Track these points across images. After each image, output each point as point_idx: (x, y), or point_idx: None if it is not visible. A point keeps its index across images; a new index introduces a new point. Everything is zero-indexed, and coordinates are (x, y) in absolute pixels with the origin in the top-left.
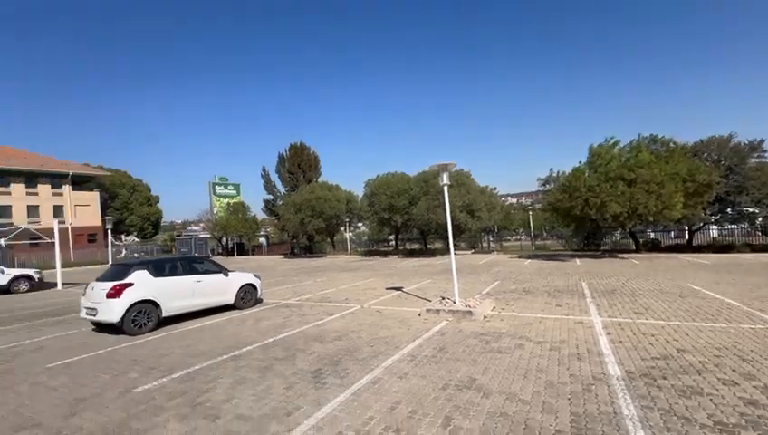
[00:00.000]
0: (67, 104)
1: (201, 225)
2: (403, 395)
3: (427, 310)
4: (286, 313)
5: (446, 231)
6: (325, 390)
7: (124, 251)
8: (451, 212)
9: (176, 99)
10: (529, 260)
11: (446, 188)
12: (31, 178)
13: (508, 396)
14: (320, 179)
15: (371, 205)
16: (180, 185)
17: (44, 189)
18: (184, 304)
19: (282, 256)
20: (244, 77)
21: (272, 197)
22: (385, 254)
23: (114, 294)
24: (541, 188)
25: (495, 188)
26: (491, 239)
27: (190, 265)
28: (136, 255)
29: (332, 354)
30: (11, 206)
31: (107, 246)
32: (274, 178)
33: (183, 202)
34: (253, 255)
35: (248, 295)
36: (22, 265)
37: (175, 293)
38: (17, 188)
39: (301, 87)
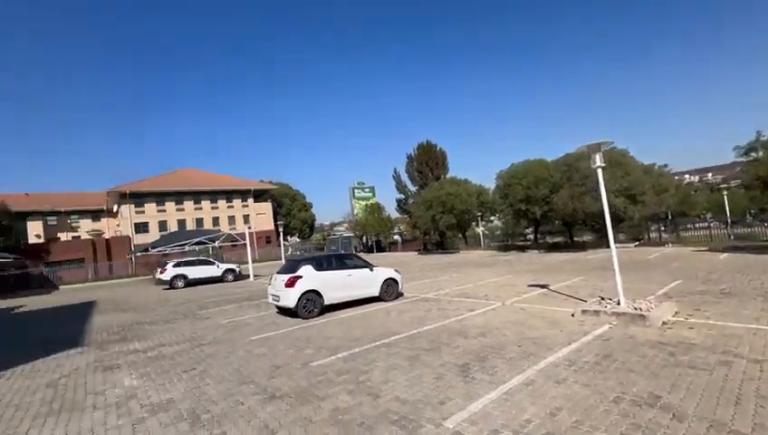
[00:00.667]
0: (243, 125)
1: (345, 225)
2: (564, 401)
3: (583, 311)
4: (426, 306)
5: (597, 221)
6: (474, 385)
7: (290, 250)
8: (606, 198)
9: (317, 111)
10: (725, 254)
11: (599, 172)
12: (229, 195)
13: (712, 423)
14: (448, 175)
15: (505, 197)
16: (327, 191)
17: (237, 203)
18: (339, 295)
19: (415, 253)
20: (373, 82)
21: (403, 196)
22: (522, 248)
23: (290, 284)
24: (740, 159)
25: (666, 166)
26: (662, 229)
27: (342, 261)
28: (298, 252)
29: (477, 350)
30: (218, 217)
31: (279, 246)
32: (405, 177)
33: (330, 206)
34: (389, 251)
35: (391, 289)
36: (228, 262)
37: (332, 284)
38: (221, 204)
39: (428, 86)
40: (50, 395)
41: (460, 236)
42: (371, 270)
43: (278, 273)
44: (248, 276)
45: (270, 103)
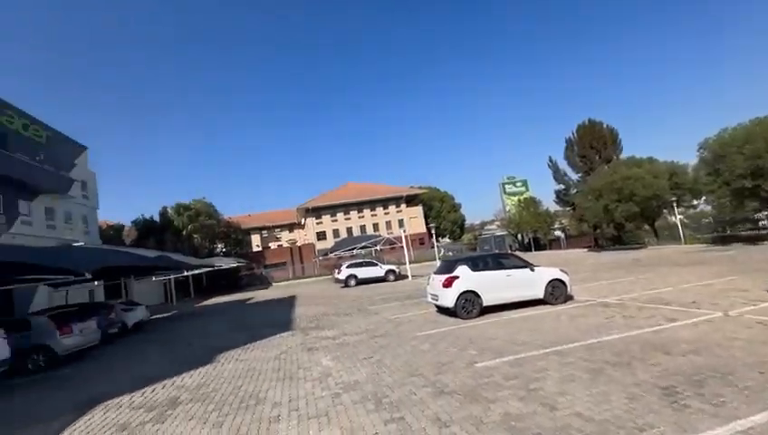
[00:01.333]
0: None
1: (496, 223)
2: None
3: None
4: (606, 312)
5: None
6: (689, 415)
7: (442, 251)
8: None
9: (452, 108)
10: None
11: None
12: (385, 203)
13: None
14: (622, 156)
15: (716, 173)
16: (474, 190)
17: (392, 209)
18: (499, 296)
19: (584, 250)
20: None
21: (563, 186)
22: (752, 240)
23: (447, 284)
24: None
25: None
26: None
27: (498, 261)
28: (450, 253)
29: (689, 372)
30: (378, 223)
31: (432, 247)
32: (563, 165)
33: (478, 205)
34: (550, 249)
35: (557, 291)
36: (388, 263)
37: (491, 285)
38: (379, 211)
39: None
40: (276, 365)
41: (647, 227)
42: (532, 270)
43: (435, 273)
44: (407, 276)
45: (404, 104)
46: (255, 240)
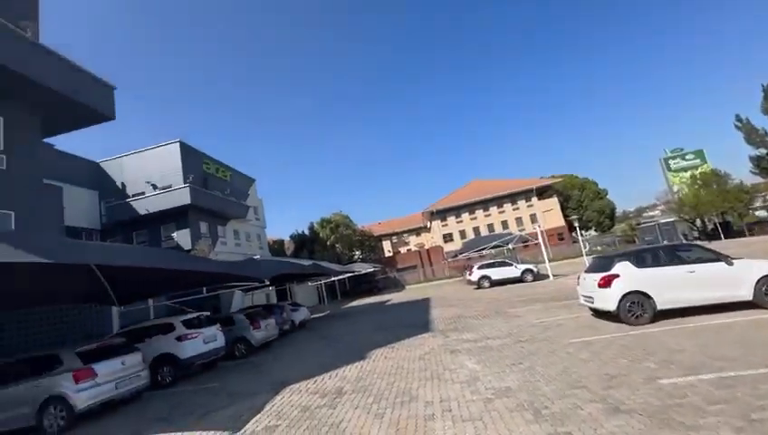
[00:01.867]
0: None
1: (659, 208)
2: None
3: None
4: None
5: None
6: None
7: (588, 245)
8: None
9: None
10: None
11: None
12: (513, 198)
13: None
14: None
15: None
16: (624, 171)
17: (522, 204)
18: (678, 297)
19: None
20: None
21: (764, 150)
22: None
23: (605, 284)
24: None
25: None
26: None
27: (675, 254)
28: (598, 248)
29: None
30: (506, 220)
31: (573, 242)
32: (762, 122)
33: (631, 189)
34: (750, 235)
35: None
36: (523, 262)
37: (666, 284)
38: (507, 207)
39: None
40: (422, 365)
41: None
42: (729, 264)
43: (587, 271)
44: (547, 276)
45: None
46: (386, 246)
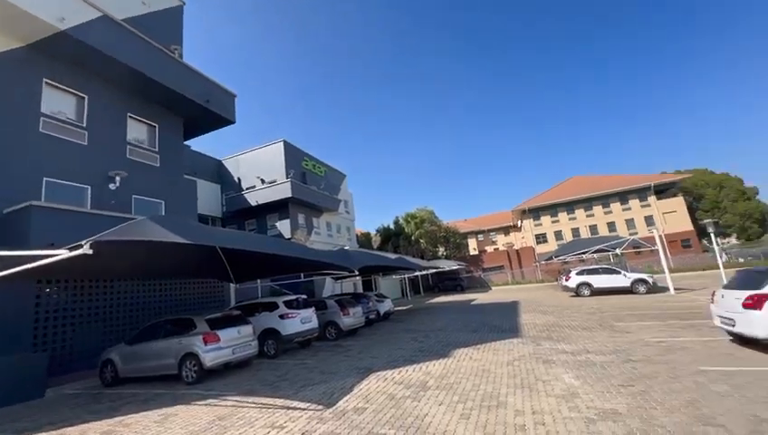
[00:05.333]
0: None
1: None
2: None
3: None
4: None
5: None
6: None
7: (725, 256)
8: None
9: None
10: None
11: None
12: (623, 196)
13: None
14: None
15: None
16: None
17: (635, 204)
18: None
19: None
20: None
21: None
22: None
23: (754, 305)
24: None
25: None
26: None
27: None
28: (741, 259)
29: None
30: (613, 222)
31: (704, 251)
32: None
33: None
34: None
35: None
36: (634, 271)
37: None
38: (615, 207)
39: None
40: (511, 372)
41: None
42: None
43: (727, 288)
44: (666, 289)
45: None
46: (472, 244)
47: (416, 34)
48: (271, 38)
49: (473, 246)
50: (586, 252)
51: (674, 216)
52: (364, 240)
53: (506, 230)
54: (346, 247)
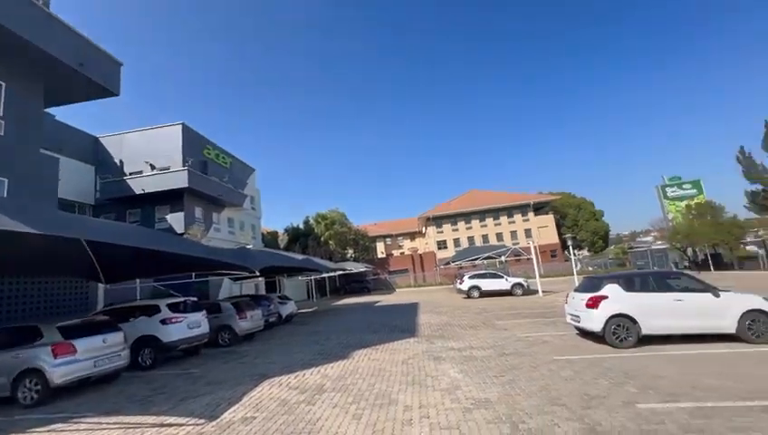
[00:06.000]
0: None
1: (653, 234)
2: None
3: None
4: None
5: None
6: None
7: (579, 265)
8: None
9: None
10: None
11: None
12: (509, 211)
13: None
14: None
15: None
16: (621, 195)
17: (518, 218)
18: (664, 324)
19: None
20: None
21: (760, 186)
22: None
23: (592, 305)
24: None
25: None
26: None
27: (663, 281)
28: (590, 268)
29: None
30: (501, 232)
31: (566, 260)
32: (762, 158)
33: (627, 212)
34: (739, 269)
35: (759, 325)
36: (514, 276)
37: (652, 310)
38: (503, 220)
39: None
40: (405, 370)
41: None
42: (716, 295)
43: (576, 291)
44: (536, 291)
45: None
46: (380, 247)
47: (329, 35)
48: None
49: (381, 250)
50: (478, 258)
51: (546, 230)
52: (270, 239)
53: (413, 236)
54: (249, 246)
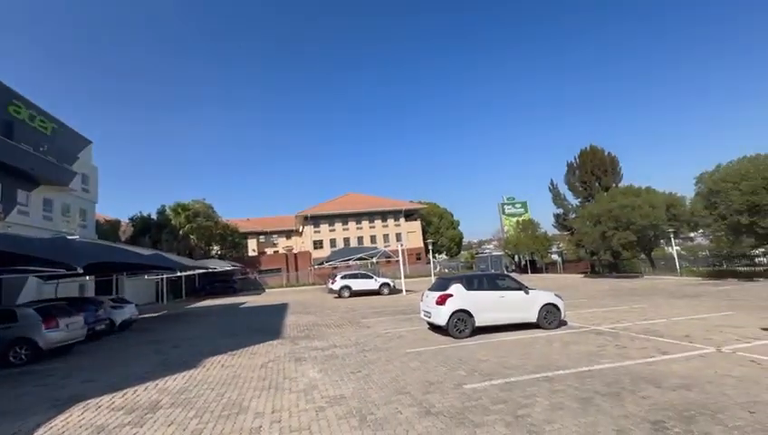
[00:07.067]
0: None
1: (493, 243)
2: None
3: None
4: (599, 341)
5: None
6: None
7: (438, 267)
8: None
9: (461, 123)
10: None
11: None
12: (384, 216)
13: None
14: (621, 184)
15: (713, 207)
16: (474, 208)
17: (391, 222)
18: (491, 317)
19: (581, 275)
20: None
21: (562, 210)
22: (748, 276)
23: (440, 302)
24: None
25: None
26: None
27: (494, 282)
28: (446, 270)
29: (678, 407)
30: (375, 235)
31: (428, 263)
32: (564, 189)
33: (477, 223)
34: (546, 272)
35: (551, 316)
36: (383, 276)
37: (484, 305)
38: (378, 223)
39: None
40: (262, 374)
41: (643, 257)
42: (527, 293)
43: (429, 290)
44: (401, 291)
45: (411, 121)
46: (252, 244)
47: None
48: None
49: (252, 247)
50: (351, 259)
51: (414, 235)
52: (109, 229)
53: (288, 234)
54: (74, 236)
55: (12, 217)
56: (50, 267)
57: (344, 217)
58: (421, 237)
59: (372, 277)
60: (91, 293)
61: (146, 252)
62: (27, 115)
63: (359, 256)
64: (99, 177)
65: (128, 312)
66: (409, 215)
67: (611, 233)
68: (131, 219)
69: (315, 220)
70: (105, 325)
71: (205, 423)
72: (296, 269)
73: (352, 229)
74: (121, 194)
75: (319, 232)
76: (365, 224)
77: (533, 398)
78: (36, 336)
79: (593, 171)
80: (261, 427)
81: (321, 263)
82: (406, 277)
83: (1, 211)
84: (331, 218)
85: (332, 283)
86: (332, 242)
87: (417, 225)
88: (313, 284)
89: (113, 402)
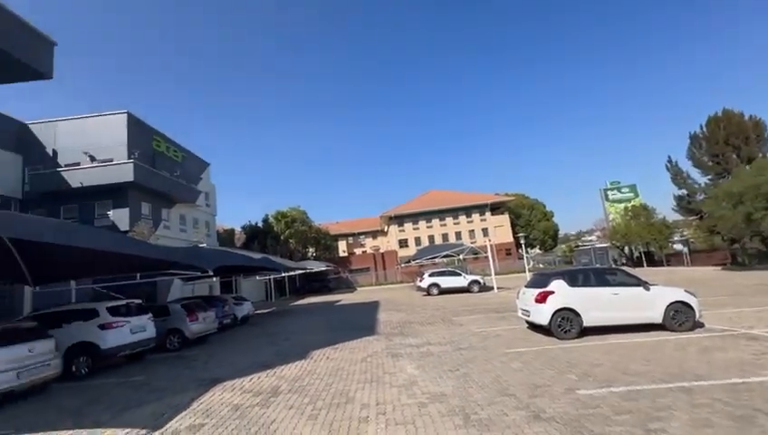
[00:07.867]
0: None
1: (596, 234)
2: None
3: None
4: (753, 347)
5: None
6: None
7: (532, 262)
8: None
9: (549, 108)
10: None
11: None
12: (468, 211)
13: None
14: None
15: None
16: (570, 197)
17: (476, 218)
18: (602, 316)
19: (716, 268)
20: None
21: (686, 191)
22: None
23: (541, 299)
24: None
25: None
26: None
27: (603, 277)
28: (540, 265)
29: None
30: (460, 231)
31: (519, 258)
32: (686, 166)
33: (575, 213)
34: (668, 265)
35: (681, 315)
36: (472, 273)
37: (592, 303)
38: (462, 219)
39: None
40: (363, 368)
41: None
42: (647, 289)
43: (527, 287)
44: (492, 288)
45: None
46: (342, 246)
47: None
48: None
49: (342, 248)
50: (437, 256)
51: (502, 229)
52: (226, 237)
53: (374, 234)
54: (202, 244)
55: (159, 231)
56: (190, 271)
57: (427, 215)
58: (510, 231)
59: (461, 274)
60: (217, 292)
61: (256, 256)
62: (165, 147)
63: (444, 253)
64: (216, 193)
65: (246, 308)
66: (496, 208)
67: (760, 214)
68: (243, 228)
69: (399, 220)
70: (230, 319)
71: (318, 410)
72: (384, 268)
73: (436, 227)
74: (234, 206)
75: (403, 231)
76: (449, 220)
77: (668, 410)
78: (183, 327)
79: (728, 141)
80: (368, 417)
81: (408, 261)
82: (496, 274)
83: (152, 226)
84: (414, 217)
85: (420, 280)
86: (417, 240)
87: (504, 218)
88: (401, 282)
89: (243, 385)
